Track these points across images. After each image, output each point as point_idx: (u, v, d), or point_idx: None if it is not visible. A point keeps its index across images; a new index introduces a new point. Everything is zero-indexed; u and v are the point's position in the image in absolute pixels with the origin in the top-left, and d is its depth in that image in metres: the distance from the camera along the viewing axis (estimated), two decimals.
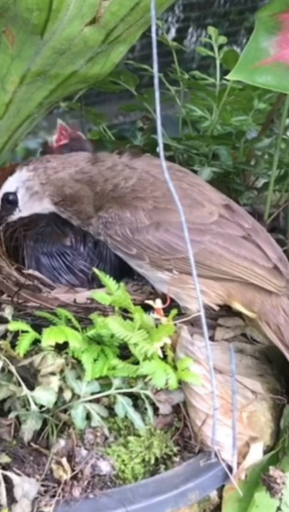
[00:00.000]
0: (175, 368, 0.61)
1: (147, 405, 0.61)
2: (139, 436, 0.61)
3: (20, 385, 0.59)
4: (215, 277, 0.66)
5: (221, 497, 0.62)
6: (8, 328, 0.61)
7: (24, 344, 0.59)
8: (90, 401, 0.60)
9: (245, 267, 0.65)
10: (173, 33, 1.70)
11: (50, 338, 0.58)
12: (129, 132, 1.05)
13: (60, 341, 0.58)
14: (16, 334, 0.61)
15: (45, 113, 0.79)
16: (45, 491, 0.57)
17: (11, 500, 0.56)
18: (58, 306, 0.70)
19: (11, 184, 0.74)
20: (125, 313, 0.63)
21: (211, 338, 0.72)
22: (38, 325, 0.64)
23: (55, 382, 0.58)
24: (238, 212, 0.70)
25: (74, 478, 0.58)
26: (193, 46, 1.66)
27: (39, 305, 0.72)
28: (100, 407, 0.60)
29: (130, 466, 0.60)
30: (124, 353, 0.62)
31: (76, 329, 0.62)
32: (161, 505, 0.58)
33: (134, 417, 0.60)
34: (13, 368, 0.60)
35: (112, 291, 0.63)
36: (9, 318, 0.64)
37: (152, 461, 0.61)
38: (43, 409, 0.59)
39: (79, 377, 0.60)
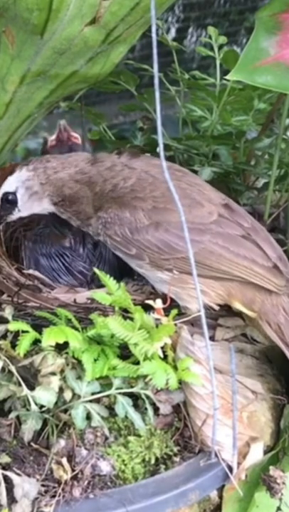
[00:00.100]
0: (175, 367, 0.61)
1: (147, 405, 0.61)
2: (139, 436, 0.61)
3: (20, 385, 0.59)
4: (215, 277, 0.66)
5: (221, 497, 0.62)
6: (8, 328, 0.61)
7: (24, 344, 0.59)
8: (91, 401, 0.60)
9: (245, 266, 0.65)
10: (173, 33, 1.70)
11: (50, 338, 0.58)
12: (129, 132, 1.05)
13: (61, 341, 0.58)
14: (16, 334, 0.61)
15: (45, 113, 0.79)
16: (46, 491, 0.57)
17: (11, 500, 0.56)
18: (58, 306, 0.70)
19: (10, 184, 0.74)
20: (125, 313, 0.63)
21: (212, 338, 0.72)
22: (39, 325, 0.64)
23: (55, 382, 0.58)
24: (238, 212, 0.70)
25: (74, 478, 0.58)
26: (193, 46, 1.66)
27: (39, 305, 0.72)
28: (101, 407, 0.60)
29: (130, 466, 0.60)
30: (125, 353, 0.62)
31: (76, 329, 0.62)
32: (162, 505, 0.58)
33: (135, 417, 0.60)
34: (13, 368, 0.60)
35: (113, 291, 0.63)
36: (9, 318, 0.64)
37: (152, 461, 0.61)
38: (44, 409, 0.59)
39: (79, 377, 0.60)
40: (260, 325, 0.68)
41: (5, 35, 0.63)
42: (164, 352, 0.60)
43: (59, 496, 0.56)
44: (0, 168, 0.83)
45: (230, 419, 0.61)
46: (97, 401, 0.60)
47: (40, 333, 0.60)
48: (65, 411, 0.60)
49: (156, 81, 0.45)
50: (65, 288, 0.78)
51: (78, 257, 0.80)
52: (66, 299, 0.74)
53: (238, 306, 0.68)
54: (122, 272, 0.78)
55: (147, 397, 0.61)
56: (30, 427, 0.60)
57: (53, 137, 0.91)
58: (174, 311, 0.61)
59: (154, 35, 0.44)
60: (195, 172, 0.82)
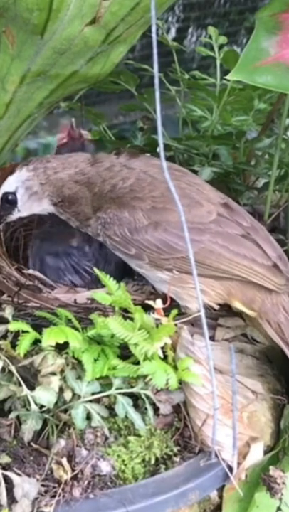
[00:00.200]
0: (175, 367, 0.61)
1: (148, 405, 0.61)
2: (139, 436, 0.61)
3: (20, 385, 0.59)
4: (215, 276, 0.66)
5: (221, 497, 0.62)
6: (8, 328, 0.61)
7: (24, 344, 0.59)
8: (91, 401, 0.60)
9: (245, 266, 0.65)
10: (173, 33, 1.70)
11: (50, 338, 0.58)
12: (130, 132, 1.05)
13: (61, 341, 0.58)
14: (17, 334, 0.61)
15: (45, 113, 0.79)
16: (46, 491, 0.57)
17: (11, 500, 0.56)
18: (59, 306, 0.70)
19: (10, 184, 0.74)
20: (125, 313, 0.63)
21: (212, 338, 0.72)
22: (39, 325, 0.64)
23: (55, 382, 0.58)
24: (237, 211, 0.70)
25: (74, 478, 0.58)
26: (193, 46, 1.66)
27: (39, 305, 0.72)
28: (101, 407, 0.60)
29: (130, 466, 0.60)
30: (125, 353, 0.62)
31: (76, 329, 0.62)
32: (162, 505, 0.58)
33: (135, 417, 0.60)
34: (13, 368, 0.60)
35: (113, 291, 0.63)
36: (9, 318, 0.64)
37: (152, 461, 0.61)
38: (44, 409, 0.59)
39: (79, 377, 0.60)
40: (260, 324, 0.68)
41: (5, 35, 0.63)
42: (164, 352, 0.60)
43: (59, 496, 0.56)
44: (0, 168, 0.83)
45: (231, 419, 0.61)
46: (97, 401, 0.60)
47: (40, 333, 0.60)
48: (65, 411, 0.60)
49: (156, 81, 0.45)
50: (65, 288, 0.78)
51: (85, 256, 0.80)
52: (66, 299, 0.74)
53: (238, 305, 0.68)
54: (127, 271, 0.78)
55: (147, 397, 0.61)
56: (30, 427, 0.60)
57: (61, 136, 0.91)
58: (174, 311, 0.61)
59: (154, 35, 0.44)
60: (195, 172, 0.82)
